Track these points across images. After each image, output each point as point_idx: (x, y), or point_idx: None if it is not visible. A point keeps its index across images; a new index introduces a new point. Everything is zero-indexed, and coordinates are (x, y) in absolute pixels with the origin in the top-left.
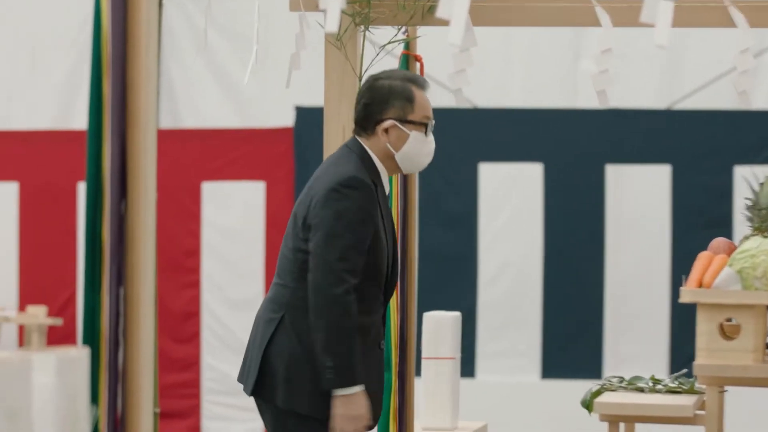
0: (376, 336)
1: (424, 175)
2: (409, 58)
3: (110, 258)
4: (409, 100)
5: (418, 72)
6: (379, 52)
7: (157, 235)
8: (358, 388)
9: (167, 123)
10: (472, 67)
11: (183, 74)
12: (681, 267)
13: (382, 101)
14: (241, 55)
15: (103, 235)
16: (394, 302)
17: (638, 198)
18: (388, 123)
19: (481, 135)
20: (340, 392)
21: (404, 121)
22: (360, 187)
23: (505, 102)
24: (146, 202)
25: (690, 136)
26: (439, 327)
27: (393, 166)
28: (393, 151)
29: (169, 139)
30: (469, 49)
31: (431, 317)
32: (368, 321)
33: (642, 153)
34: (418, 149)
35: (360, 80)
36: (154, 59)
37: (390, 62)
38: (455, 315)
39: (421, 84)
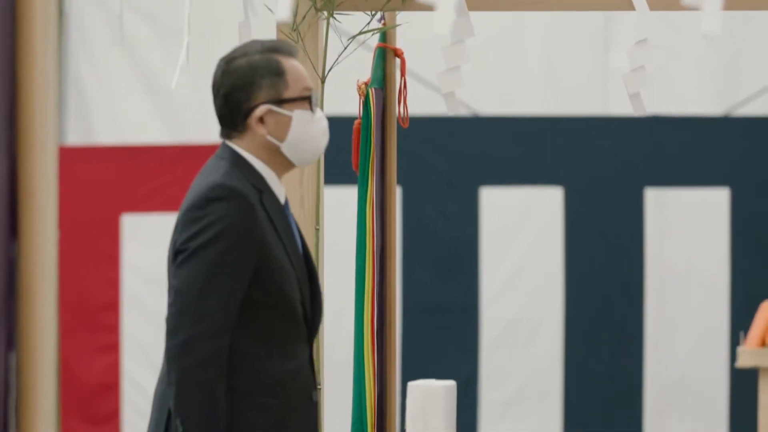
0: (306, 385)
1: (408, 203)
2: (386, 52)
3: None
4: (278, 73)
5: (398, 71)
6: (348, 44)
7: (60, 285)
8: None
9: (75, 138)
10: (469, 63)
11: (95, 74)
12: (742, 319)
13: (245, 85)
14: (171, 51)
15: None
16: (369, 369)
17: (687, 231)
18: (261, 110)
19: (483, 151)
20: None
21: (280, 102)
22: (229, 197)
23: (515, 109)
24: (44, 243)
25: (754, 151)
26: (428, 401)
27: (282, 161)
28: (276, 142)
29: (77, 159)
30: (464, 40)
31: (417, 388)
32: (290, 367)
33: (692, 173)
34: (308, 132)
35: (323, 81)
36: (54, 53)
37: (362, 57)
38: (449, 385)
39: (286, 50)
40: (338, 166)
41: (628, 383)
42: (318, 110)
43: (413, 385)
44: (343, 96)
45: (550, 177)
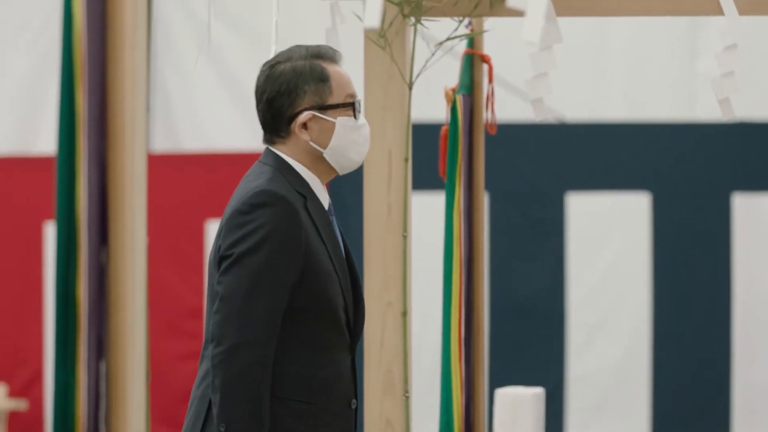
0: (345, 392)
1: (494, 208)
2: (473, 58)
3: (87, 323)
4: (323, 79)
5: (486, 77)
6: (435, 50)
7: (149, 292)
8: None
9: (162, 146)
10: (557, 70)
11: (181, 82)
12: None
13: (289, 90)
14: (257, 58)
15: (78, 293)
16: (457, 377)
17: None
18: (305, 115)
19: (569, 157)
20: None
21: (324, 108)
22: (273, 202)
23: (601, 115)
24: (134, 249)
25: None
26: (516, 407)
27: (325, 168)
28: (319, 149)
29: (164, 167)
30: (552, 47)
31: (506, 395)
32: (329, 373)
33: None
34: (351, 138)
35: (410, 87)
36: (143, 62)
37: (450, 63)
38: (537, 392)
39: (330, 56)
40: (426, 173)
41: (715, 388)
42: (361, 117)
43: (501, 393)
44: (430, 102)
45: (637, 182)
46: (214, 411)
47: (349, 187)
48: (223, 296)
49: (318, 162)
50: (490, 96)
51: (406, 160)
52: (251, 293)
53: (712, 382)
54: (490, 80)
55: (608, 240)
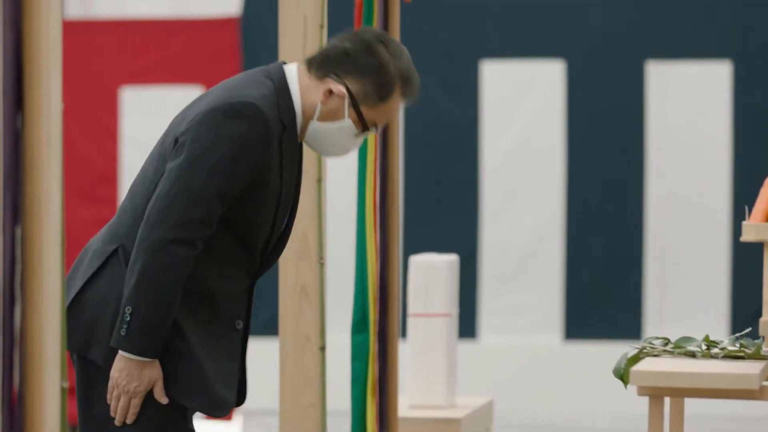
0: (232, 311)
1: None
2: None
3: (2, 188)
4: (383, 97)
5: None
6: None
7: (63, 157)
8: (145, 360)
9: (75, 11)
10: None
11: None
12: (744, 194)
13: (361, 68)
14: None
15: None
16: (372, 244)
17: (689, 104)
18: (340, 89)
19: (484, 25)
20: (124, 354)
21: (355, 105)
22: (254, 119)
23: None
24: (50, 115)
25: (757, 23)
26: (430, 274)
27: (302, 126)
28: (315, 116)
29: (77, 33)
30: None
31: (420, 262)
32: (223, 289)
33: (693, 45)
34: (337, 139)
35: None
36: None
37: None
38: (451, 259)
39: (410, 93)
40: None
41: (629, 256)
42: (361, 139)
43: (415, 260)
44: None
45: (551, 50)
46: (125, 291)
47: (264, 51)
48: (171, 186)
49: (305, 118)
50: None
51: (321, 26)
52: (199, 195)
53: (626, 247)
54: None
55: (522, 107)
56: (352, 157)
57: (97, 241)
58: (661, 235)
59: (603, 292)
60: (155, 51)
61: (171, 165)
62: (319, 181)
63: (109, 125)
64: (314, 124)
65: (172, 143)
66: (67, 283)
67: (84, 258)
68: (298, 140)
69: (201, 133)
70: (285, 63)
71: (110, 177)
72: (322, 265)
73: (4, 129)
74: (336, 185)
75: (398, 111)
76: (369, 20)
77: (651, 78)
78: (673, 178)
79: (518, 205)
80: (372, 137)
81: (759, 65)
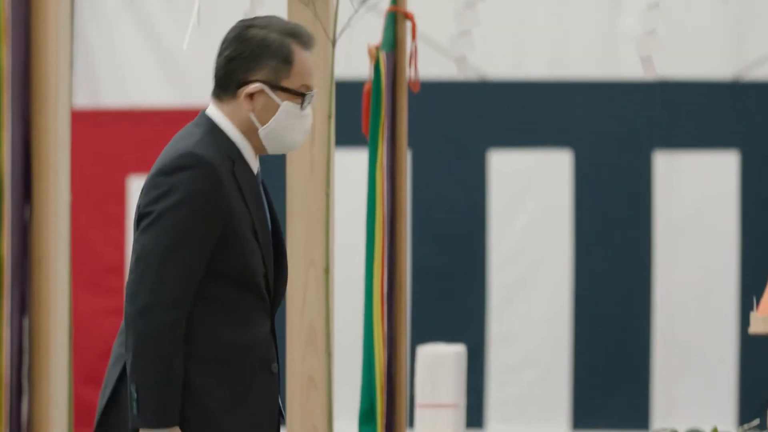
0: (263, 356)
1: (417, 167)
2: (397, 15)
3: (11, 279)
4: (287, 60)
5: (409, 35)
6: (359, 8)
7: (71, 248)
8: (165, 430)
9: (84, 101)
10: (480, 27)
11: (104, 38)
12: (752, 285)
13: (251, 57)
14: (179, 15)
15: (2, 250)
16: (379, 334)
17: (696, 194)
18: (254, 86)
19: (491, 115)
20: (144, 431)
21: (276, 87)
22: (197, 165)
23: (523, 73)
24: (58, 206)
25: (764, 114)
26: (438, 365)
27: (257, 144)
28: (257, 124)
29: (86, 123)
30: (476, 4)
31: (427, 353)
32: (245, 337)
33: (701, 136)
34: (289, 125)
35: (333, 45)
36: (66, 17)
37: (373, 21)
38: (458, 350)
39: (305, 41)
40: (349, 130)
41: (636, 347)
42: (309, 109)
43: (423, 350)
44: (353, 60)
45: (559, 140)
46: (128, 371)
47: None
48: (139, 255)
49: (252, 135)
50: (414, 53)
51: (330, 116)
52: (165, 254)
53: (634, 339)
54: (414, 37)
55: (530, 197)
56: (361, 247)
57: (115, 345)
58: (668, 325)
59: (611, 382)
60: (163, 140)
61: (136, 238)
62: (327, 271)
63: (117, 214)
64: (263, 130)
65: (136, 222)
66: (102, 390)
67: (110, 363)
68: (258, 161)
69: (151, 198)
70: (205, 110)
71: (118, 266)
72: (329, 355)
73: (12, 220)
74: (343, 275)
75: (311, 62)
76: (377, 109)
77: (658, 168)
78: (680, 267)
79: (526, 295)
80: (380, 229)
81: (766, 155)
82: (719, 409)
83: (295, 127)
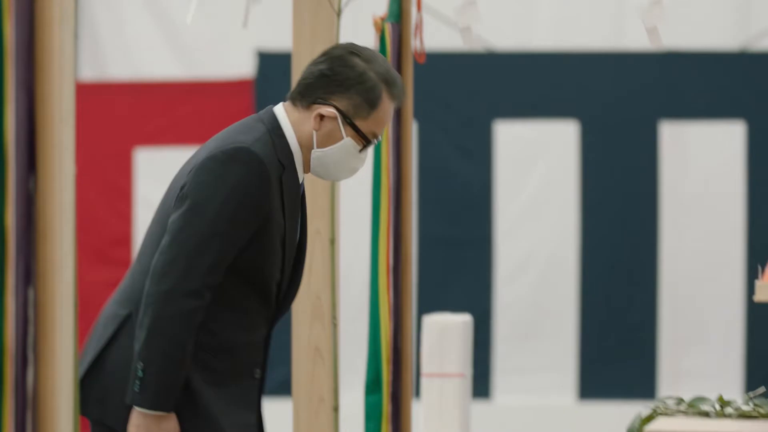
0: (250, 360)
1: (423, 139)
2: None
3: (15, 250)
4: (372, 104)
5: (414, 6)
6: None
7: (77, 220)
8: (162, 414)
9: (89, 74)
10: None
11: (109, 10)
12: (759, 253)
13: (341, 83)
14: None
15: (6, 221)
16: (385, 304)
17: (702, 164)
18: (330, 110)
19: (498, 86)
20: (140, 409)
21: (348, 122)
22: (251, 163)
23: (529, 44)
24: (62, 177)
25: None
26: (444, 335)
27: (307, 158)
28: (314, 144)
29: (91, 95)
30: None
31: (434, 322)
32: (245, 339)
33: (707, 106)
34: (342, 160)
35: (338, 15)
36: None
37: None
38: (465, 319)
39: (396, 94)
40: None
41: (643, 317)
42: (366, 154)
43: (429, 320)
44: (359, 31)
45: (566, 111)
46: (136, 347)
47: None
48: (174, 237)
49: (306, 150)
50: (419, 24)
51: None
52: (203, 243)
53: (640, 309)
54: (419, 8)
55: (536, 168)
56: (366, 218)
57: (110, 305)
58: (675, 294)
59: (617, 352)
60: (169, 113)
61: (173, 217)
62: (332, 241)
63: (123, 187)
64: (316, 153)
65: (174, 198)
66: (84, 348)
67: (99, 323)
68: (304, 173)
69: (199, 182)
70: (273, 107)
71: (124, 239)
72: (335, 325)
73: (17, 191)
74: (349, 246)
75: (391, 115)
76: None
77: (664, 138)
78: (687, 237)
79: (532, 265)
80: (385, 202)
81: None
82: (725, 377)
83: (345, 165)
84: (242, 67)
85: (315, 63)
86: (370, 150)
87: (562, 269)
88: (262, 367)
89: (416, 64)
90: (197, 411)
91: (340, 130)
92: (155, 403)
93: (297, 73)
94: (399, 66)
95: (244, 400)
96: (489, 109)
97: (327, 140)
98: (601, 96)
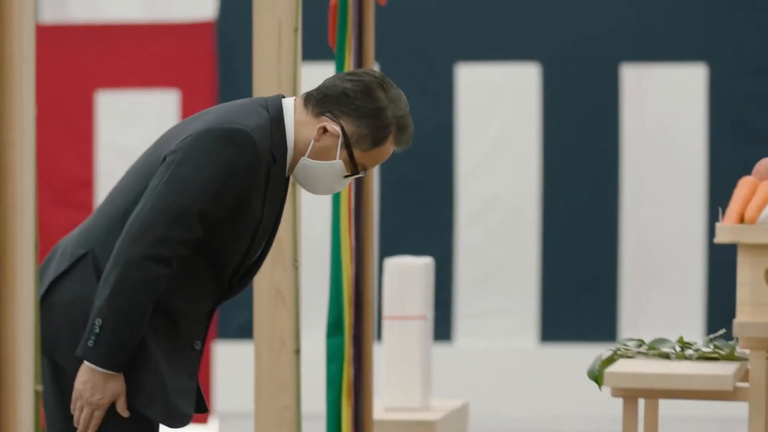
0: (190, 332)
1: None
2: None
3: None
4: (375, 141)
5: None
6: None
7: (38, 163)
8: (110, 373)
9: (49, 16)
10: None
11: None
12: (719, 196)
13: (357, 109)
14: None
15: None
16: (346, 247)
17: (664, 107)
18: (335, 128)
19: (459, 29)
20: (90, 365)
21: (347, 146)
22: (244, 146)
23: None
24: (23, 120)
25: (732, 28)
26: (405, 278)
27: (293, 161)
28: (306, 152)
29: (51, 37)
30: None
31: (395, 265)
32: (186, 310)
33: (669, 49)
34: (325, 177)
35: None
36: None
37: None
38: (426, 262)
39: (402, 140)
40: (316, 43)
41: (604, 259)
42: (348, 181)
43: (391, 263)
44: None
45: (526, 53)
46: (96, 302)
47: (240, 56)
48: (156, 203)
49: (297, 153)
50: None
51: (296, 30)
52: (182, 215)
53: (601, 251)
54: None
55: (498, 111)
56: None
57: (67, 243)
58: (636, 237)
59: (578, 295)
60: (131, 55)
61: (156, 182)
62: (294, 185)
63: (84, 129)
64: (305, 161)
65: (160, 159)
66: None
67: (53, 258)
68: (287, 174)
69: (190, 154)
70: (284, 96)
71: (86, 181)
72: (296, 268)
73: None
74: None
75: (388, 156)
76: (343, 24)
77: (626, 81)
78: (648, 180)
79: (494, 208)
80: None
81: (734, 68)
82: (686, 319)
83: (326, 183)
84: (204, 8)
85: (343, 78)
86: (351, 179)
87: (524, 212)
88: (203, 340)
89: (378, 6)
90: (142, 364)
91: (336, 151)
92: (106, 361)
93: (259, 14)
94: (360, 8)
95: (185, 367)
96: (451, 51)
97: (320, 154)
98: (563, 39)
